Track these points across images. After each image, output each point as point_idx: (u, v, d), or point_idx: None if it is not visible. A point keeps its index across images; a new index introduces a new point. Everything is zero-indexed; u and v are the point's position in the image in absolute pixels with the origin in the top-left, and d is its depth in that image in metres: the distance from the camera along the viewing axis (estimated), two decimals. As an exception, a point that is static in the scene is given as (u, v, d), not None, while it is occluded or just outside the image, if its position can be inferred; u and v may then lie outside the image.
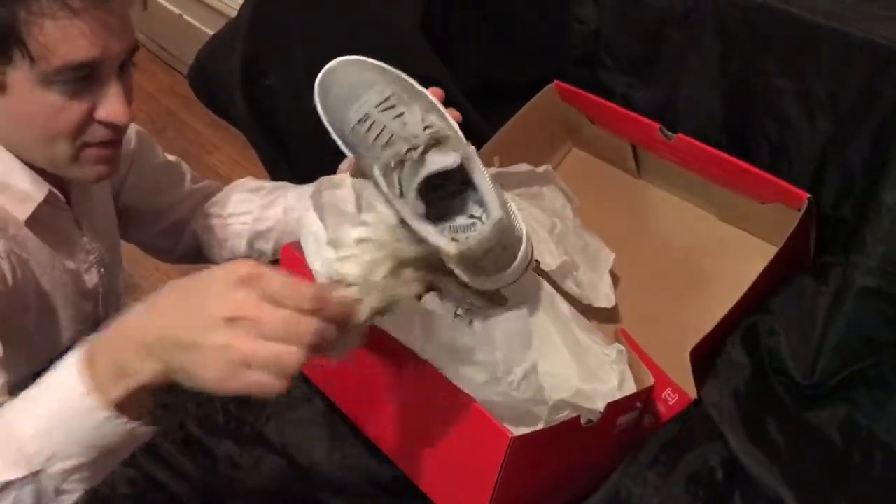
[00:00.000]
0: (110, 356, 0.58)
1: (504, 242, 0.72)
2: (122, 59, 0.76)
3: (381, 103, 0.76)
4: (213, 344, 0.54)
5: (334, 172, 0.94)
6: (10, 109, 0.75)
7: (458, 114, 0.80)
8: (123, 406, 0.58)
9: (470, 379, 0.73)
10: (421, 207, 0.71)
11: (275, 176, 1.14)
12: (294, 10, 1.11)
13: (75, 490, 0.61)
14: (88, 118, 0.76)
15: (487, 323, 0.76)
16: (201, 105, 1.24)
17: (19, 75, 0.72)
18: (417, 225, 0.71)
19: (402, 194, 0.71)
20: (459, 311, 0.78)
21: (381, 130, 0.74)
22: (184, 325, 0.55)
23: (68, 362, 0.59)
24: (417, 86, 0.80)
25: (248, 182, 1.09)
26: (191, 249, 1.08)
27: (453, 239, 0.72)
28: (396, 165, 0.71)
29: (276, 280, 0.55)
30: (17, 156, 0.80)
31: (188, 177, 1.08)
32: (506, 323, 0.75)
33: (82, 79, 0.74)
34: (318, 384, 0.89)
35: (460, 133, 0.77)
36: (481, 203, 0.75)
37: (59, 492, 0.60)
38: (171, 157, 1.08)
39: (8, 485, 0.58)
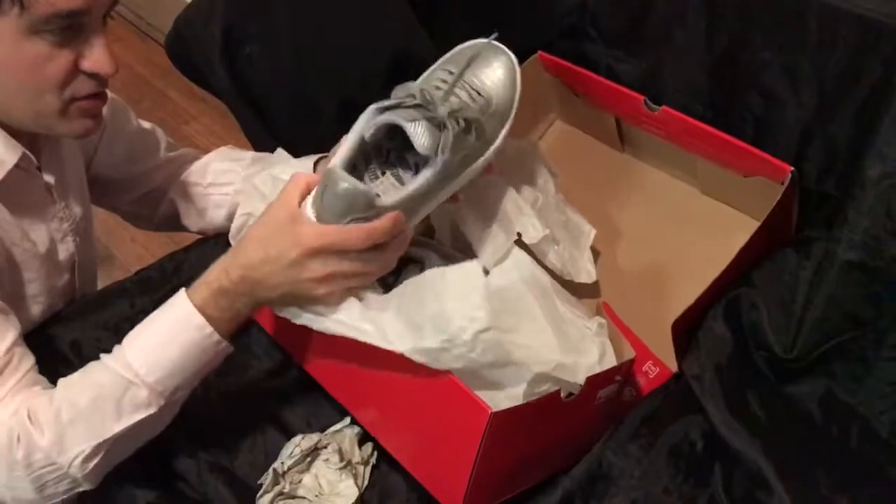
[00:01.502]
0: (225, 305, 0.74)
1: (353, 212, 0.71)
2: (105, 10, 0.77)
3: (464, 82, 0.80)
4: (311, 277, 0.72)
5: (315, 142, 0.93)
6: None
7: None
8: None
9: (427, 351, 0.70)
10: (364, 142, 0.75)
11: (257, 145, 1.12)
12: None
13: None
14: (74, 69, 0.76)
15: (438, 272, 0.73)
16: (178, 75, 1.21)
17: (6, 24, 0.71)
18: (350, 139, 0.74)
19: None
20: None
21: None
22: (288, 282, 0.73)
23: (185, 312, 0.73)
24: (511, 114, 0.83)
25: (230, 151, 1.07)
26: (170, 217, 1.06)
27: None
28: (392, 105, 0.74)
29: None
30: None
31: (163, 144, 1.06)
32: (458, 272, 0.72)
33: (67, 28, 0.73)
34: (296, 357, 0.88)
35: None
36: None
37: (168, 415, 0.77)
38: (146, 125, 1.05)
39: (142, 421, 0.73)
